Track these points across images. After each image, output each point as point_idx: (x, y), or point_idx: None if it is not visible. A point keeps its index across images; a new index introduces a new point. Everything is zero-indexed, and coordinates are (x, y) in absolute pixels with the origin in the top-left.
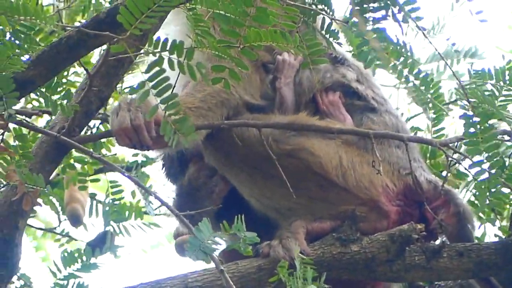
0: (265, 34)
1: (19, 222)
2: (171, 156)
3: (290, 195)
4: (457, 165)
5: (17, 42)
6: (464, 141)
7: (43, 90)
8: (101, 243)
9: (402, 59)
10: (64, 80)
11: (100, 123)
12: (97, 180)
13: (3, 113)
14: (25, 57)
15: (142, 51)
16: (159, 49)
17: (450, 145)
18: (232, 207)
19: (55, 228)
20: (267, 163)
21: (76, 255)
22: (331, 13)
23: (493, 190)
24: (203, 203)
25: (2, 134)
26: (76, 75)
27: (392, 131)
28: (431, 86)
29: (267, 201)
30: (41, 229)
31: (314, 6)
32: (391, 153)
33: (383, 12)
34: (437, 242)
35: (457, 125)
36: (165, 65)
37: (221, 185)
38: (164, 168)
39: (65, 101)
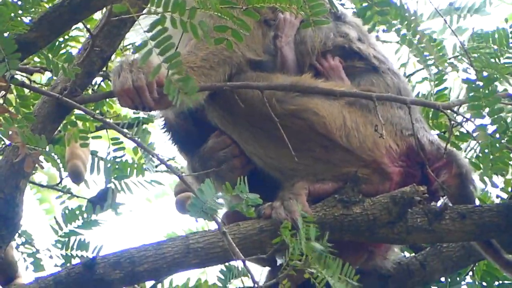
0: None
1: (20, 182)
2: (185, 128)
3: (293, 155)
4: (459, 127)
5: (19, 3)
6: (467, 104)
7: (45, 51)
8: (102, 200)
9: (405, 22)
10: (66, 37)
11: (101, 81)
12: (98, 137)
13: (5, 74)
14: (27, 19)
15: (144, 10)
16: (161, 8)
17: (454, 109)
18: None
19: (56, 184)
20: (270, 123)
21: (77, 212)
22: None
23: (497, 154)
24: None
25: (4, 95)
26: (78, 30)
27: (394, 92)
28: (432, 44)
29: (270, 161)
30: (42, 185)
31: None
32: (393, 113)
33: None
34: (439, 203)
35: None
36: (168, 24)
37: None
38: (174, 138)
39: (66, 64)
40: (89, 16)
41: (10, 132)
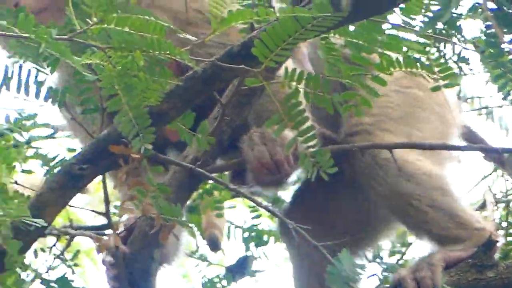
0: (398, 61)
1: (155, 253)
2: None
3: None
4: None
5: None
6: None
7: (178, 122)
8: (241, 268)
9: None
10: None
11: None
12: (233, 207)
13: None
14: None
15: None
16: (295, 81)
17: None
18: None
19: (193, 252)
20: None
21: (216, 280)
22: (462, 38)
23: None
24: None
25: (137, 167)
26: None
27: None
28: None
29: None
30: None
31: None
32: None
33: None
34: None
35: None
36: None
37: None
38: None
39: (200, 135)
40: (220, 87)
41: (144, 204)
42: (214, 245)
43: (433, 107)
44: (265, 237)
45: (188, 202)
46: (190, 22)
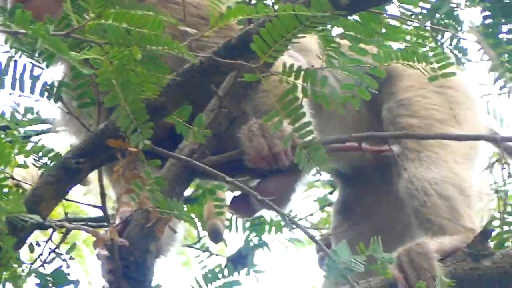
0: (395, 53)
1: (151, 245)
2: None
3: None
4: None
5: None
6: None
7: (175, 116)
8: (242, 259)
9: None
10: None
11: None
12: None
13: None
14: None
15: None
16: (292, 77)
17: None
18: None
19: (194, 243)
20: None
21: (217, 270)
22: (459, 28)
23: None
24: None
25: (134, 161)
26: None
27: None
28: None
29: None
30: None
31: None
32: None
33: None
34: None
35: None
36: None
37: None
38: None
39: (196, 128)
40: (218, 80)
41: (141, 198)
42: (216, 236)
43: (468, 105)
44: (266, 228)
45: (190, 193)
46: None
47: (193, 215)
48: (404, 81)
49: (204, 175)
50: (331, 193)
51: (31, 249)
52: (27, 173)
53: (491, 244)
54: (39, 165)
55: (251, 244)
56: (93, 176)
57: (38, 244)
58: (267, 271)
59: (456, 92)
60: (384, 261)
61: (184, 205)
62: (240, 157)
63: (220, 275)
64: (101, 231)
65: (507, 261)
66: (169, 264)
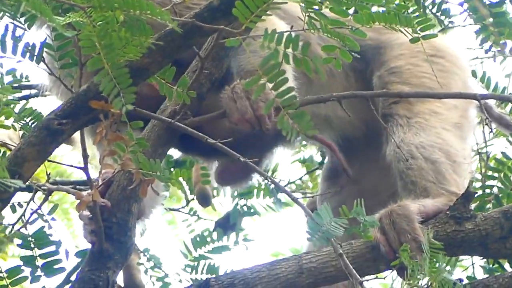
0: (377, 15)
1: (133, 207)
2: None
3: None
4: None
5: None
6: None
7: (158, 77)
8: (229, 222)
9: None
10: None
11: None
12: None
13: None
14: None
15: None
16: (274, 43)
17: None
18: None
19: (183, 207)
20: None
21: (206, 234)
22: None
23: None
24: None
25: (117, 123)
26: None
27: None
28: None
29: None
30: (168, 209)
31: None
32: None
33: None
34: None
35: None
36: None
37: None
38: None
39: (180, 89)
40: (200, 41)
41: (124, 159)
42: (204, 201)
43: (459, 75)
44: (255, 191)
45: (178, 157)
46: None
47: (181, 179)
48: (395, 50)
49: (184, 148)
50: (321, 163)
51: (13, 210)
52: (13, 133)
53: (473, 206)
54: (20, 125)
55: (240, 210)
56: (77, 136)
57: (20, 205)
58: (253, 232)
59: (447, 62)
60: (366, 224)
61: (172, 169)
62: (221, 117)
63: (208, 239)
64: (84, 193)
65: (489, 223)
66: (154, 224)
